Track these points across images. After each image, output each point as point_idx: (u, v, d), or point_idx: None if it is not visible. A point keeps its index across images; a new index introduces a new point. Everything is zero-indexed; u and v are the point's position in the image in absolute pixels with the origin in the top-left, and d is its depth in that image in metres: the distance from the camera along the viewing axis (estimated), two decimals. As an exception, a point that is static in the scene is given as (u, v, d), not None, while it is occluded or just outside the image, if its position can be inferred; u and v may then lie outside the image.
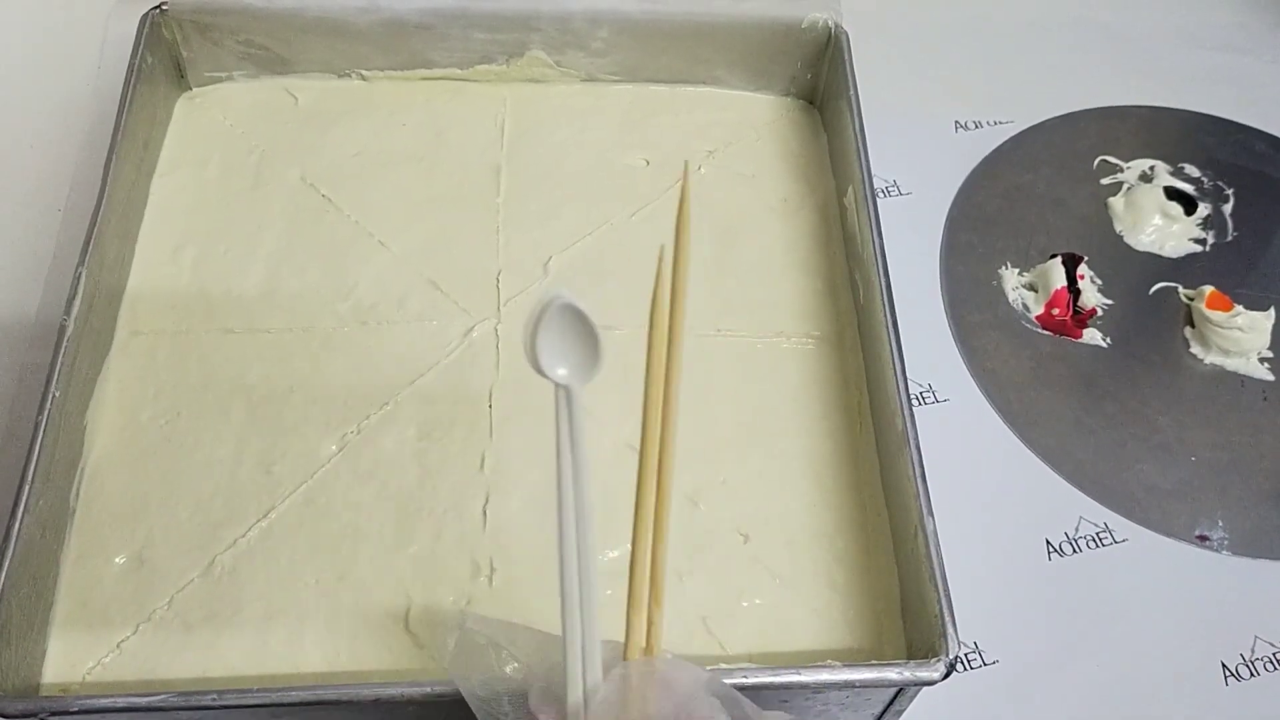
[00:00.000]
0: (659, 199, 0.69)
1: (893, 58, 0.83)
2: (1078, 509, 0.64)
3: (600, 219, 0.68)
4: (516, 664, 0.43)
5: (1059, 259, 0.72)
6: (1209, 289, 0.71)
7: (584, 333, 0.33)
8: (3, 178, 0.73)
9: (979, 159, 0.79)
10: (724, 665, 0.49)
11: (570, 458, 0.36)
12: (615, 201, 0.69)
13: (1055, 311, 0.71)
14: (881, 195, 0.75)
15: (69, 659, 0.52)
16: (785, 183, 0.70)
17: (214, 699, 0.47)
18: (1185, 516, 0.64)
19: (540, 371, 0.33)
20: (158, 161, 0.69)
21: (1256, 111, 0.82)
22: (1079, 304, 0.71)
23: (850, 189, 0.66)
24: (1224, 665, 0.59)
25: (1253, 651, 0.59)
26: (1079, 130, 0.80)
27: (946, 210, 0.76)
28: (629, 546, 0.55)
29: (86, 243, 0.59)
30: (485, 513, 0.56)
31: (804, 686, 0.49)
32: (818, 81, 0.73)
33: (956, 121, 0.81)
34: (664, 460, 0.39)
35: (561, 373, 0.34)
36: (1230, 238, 0.75)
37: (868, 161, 0.65)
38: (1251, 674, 0.59)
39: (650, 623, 0.41)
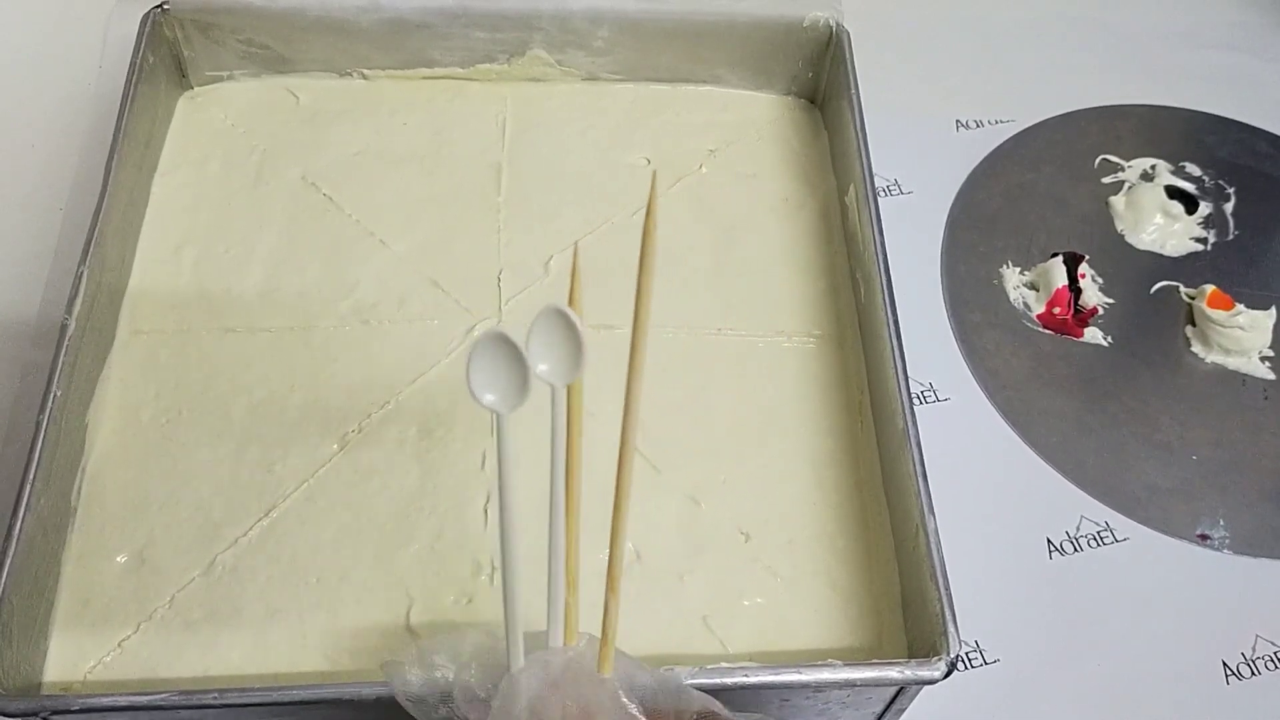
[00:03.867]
0: (660, 198, 0.69)
1: (894, 57, 0.83)
2: (1079, 508, 0.64)
3: (601, 218, 0.68)
4: (447, 671, 0.45)
5: (1060, 258, 0.72)
6: (1210, 288, 0.71)
7: (516, 362, 0.35)
8: (4, 177, 0.73)
9: (980, 158, 0.79)
10: (725, 664, 0.49)
11: (502, 475, 0.39)
12: (616, 201, 0.69)
13: (1056, 310, 0.71)
14: (882, 194, 0.75)
15: (70, 658, 0.52)
16: (786, 182, 0.70)
17: (215, 698, 0.47)
18: (1186, 515, 0.64)
19: (472, 395, 0.36)
20: (159, 161, 0.69)
21: (1258, 110, 0.82)
22: (1080, 303, 0.71)
23: (851, 188, 0.66)
24: (1225, 664, 0.59)
25: (1254, 650, 0.59)
26: (1080, 129, 0.80)
27: (947, 209, 0.76)
28: (629, 545, 0.56)
29: (88, 242, 0.59)
30: (486, 512, 0.56)
31: (805, 685, 0.49)
32: (819, 81, 0.73)
33: (957, 120, 0.81)
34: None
35: (490, 398, 0.36)
36: (1231, 236, 0.75)
37: (869, 160, 0.65)
38: (1252, 673, 0.59)
39: (567, 608, 0.42)
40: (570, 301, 0.39)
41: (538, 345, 0.37)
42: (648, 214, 0.38)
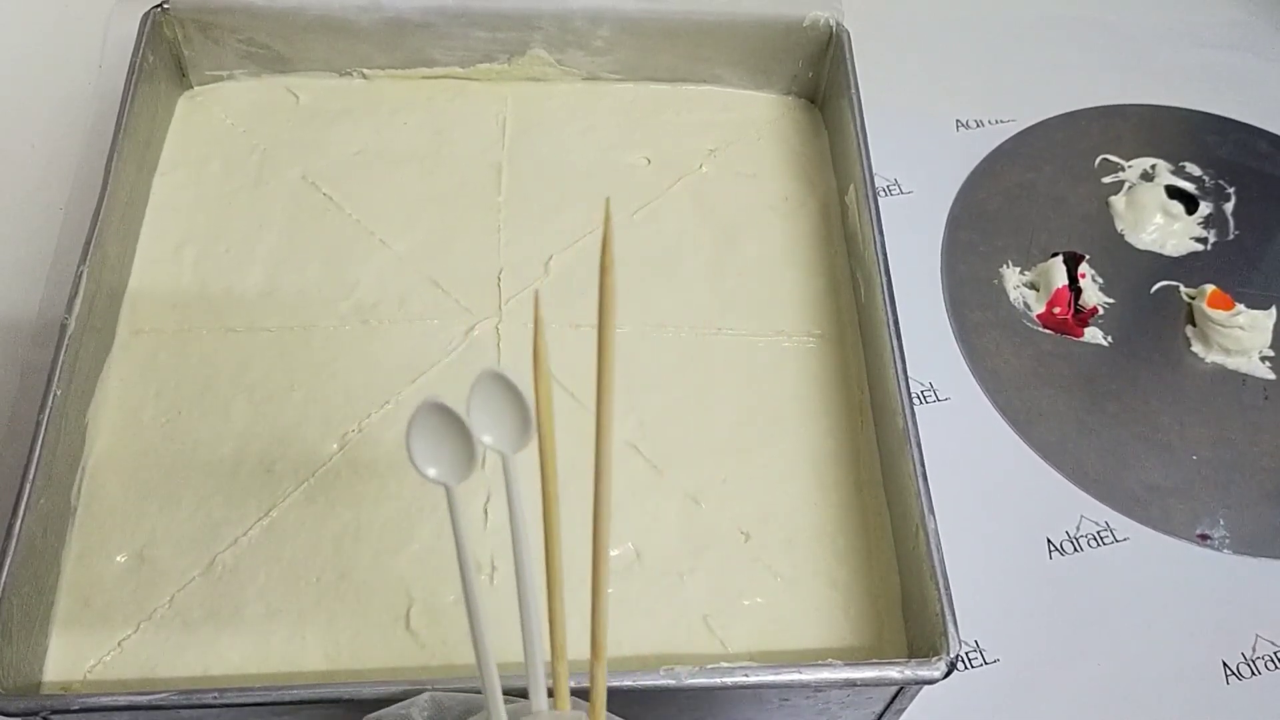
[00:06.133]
0: (660, 198, 0.69)
1: (894, 56, 0.83)
2: (1079, 508, 0.64)
3: (601, 217, 0.68)
4: None
5: (1060, 258, 0.72)
6: (1210, 288, 0.71)
7: (460, 432, 0.33)
8: (4, 177, 0.73)
9: (980, 157, 0.79)
10: (725, 664, 0.49)
11: (461, 551, 0.36)
12: (616, 200, 0.69)
13: (1056, 310, 0.71)
14: (883, 194, 0.75)
15: (70, 657, 0.52)
16: (786, 181, 0.70)
17: (215, 697, 0.47)
18: (1186, 515, 0.64)
19: (415, 468, 0.34)
20: (159, 160, 0.69)
21: (1258, 110, 0.82)
22: (1080, 303, 0.71)
23: (851, 188, 0.66)
24: (1225, 664, 0.59)
25: (1254, 650, 0.59)
26: (1080, 129, 0.80)
27: (948, 209, 0.76)
28: (629, 545, 0.56)
29: (88, 241, 0.59)
30: (486, 511, 0.56)
31: (805, 685, 0.49)
32: (819, 80, 0.73)
33: (958, 120, 0.81)
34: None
35: (433, 472, 0.34)
36: (1232, 236, 0.75)
37: (869, 160, 0.65)
38: (1252, 673, 0.59)
39: (556, 676, 0.38)
40: (535, 353, 0.35)
41: (480, 415, 0.34)
42: (604, 249, 0.35)
